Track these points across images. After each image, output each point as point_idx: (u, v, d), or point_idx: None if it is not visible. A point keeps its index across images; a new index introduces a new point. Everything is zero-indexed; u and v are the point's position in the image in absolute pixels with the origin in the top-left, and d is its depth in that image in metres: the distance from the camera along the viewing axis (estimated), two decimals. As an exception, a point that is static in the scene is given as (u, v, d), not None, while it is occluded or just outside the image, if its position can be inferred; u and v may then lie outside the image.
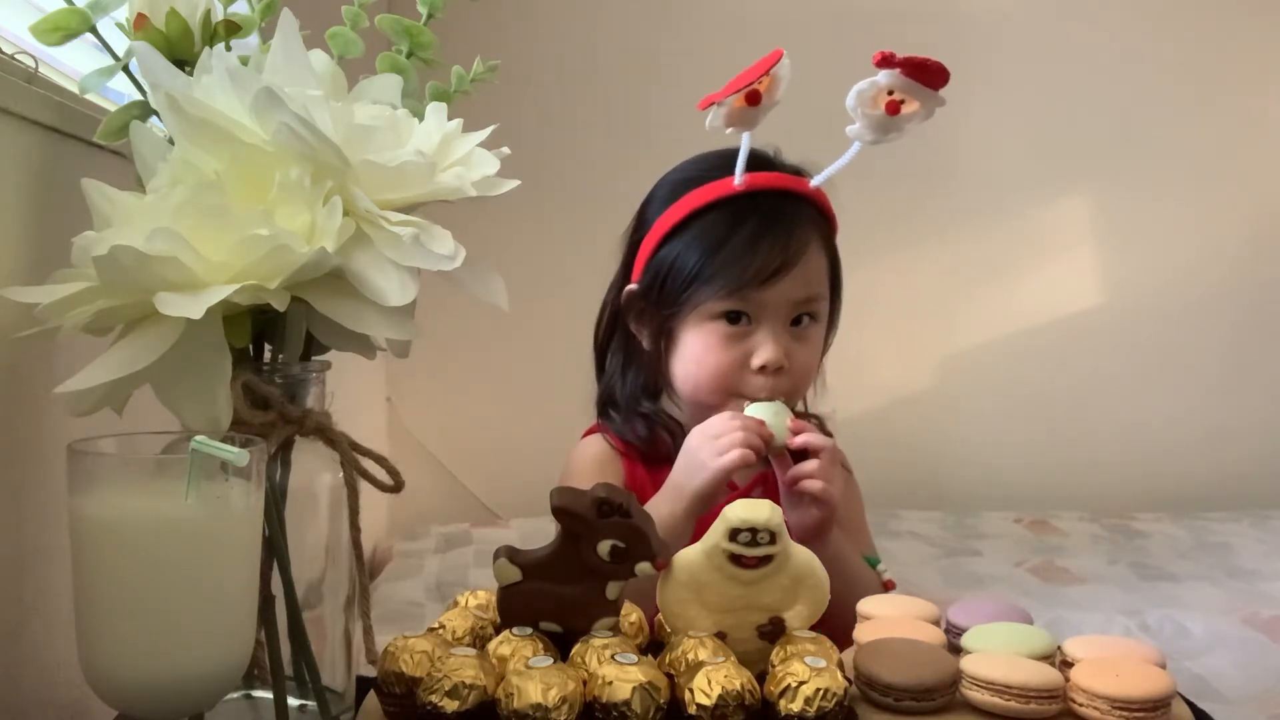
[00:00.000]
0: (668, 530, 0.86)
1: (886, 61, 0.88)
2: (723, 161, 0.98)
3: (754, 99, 0.90)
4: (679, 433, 0.99)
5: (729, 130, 0.93)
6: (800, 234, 0.96)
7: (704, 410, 0.98)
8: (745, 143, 0.94)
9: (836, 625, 0.68)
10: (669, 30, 2.26)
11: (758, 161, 0.98)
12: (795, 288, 0.96)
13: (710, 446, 0.91)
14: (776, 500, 0.67)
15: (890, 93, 0.88)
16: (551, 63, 2.21)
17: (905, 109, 0.88)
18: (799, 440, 0.93)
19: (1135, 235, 2.37)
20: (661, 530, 0.78)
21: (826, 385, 1.07)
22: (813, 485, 0.92)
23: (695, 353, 0.98)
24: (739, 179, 0.95)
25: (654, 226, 1.00)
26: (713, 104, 0.91)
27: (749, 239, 0.95)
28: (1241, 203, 2.38)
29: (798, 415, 1.02)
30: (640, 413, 1.03)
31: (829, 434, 1.05)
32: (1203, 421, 2.36)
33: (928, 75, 0.88)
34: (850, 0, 2.22)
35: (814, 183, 0.98)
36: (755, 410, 0.94)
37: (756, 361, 0.95)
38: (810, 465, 0.92)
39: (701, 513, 0.91)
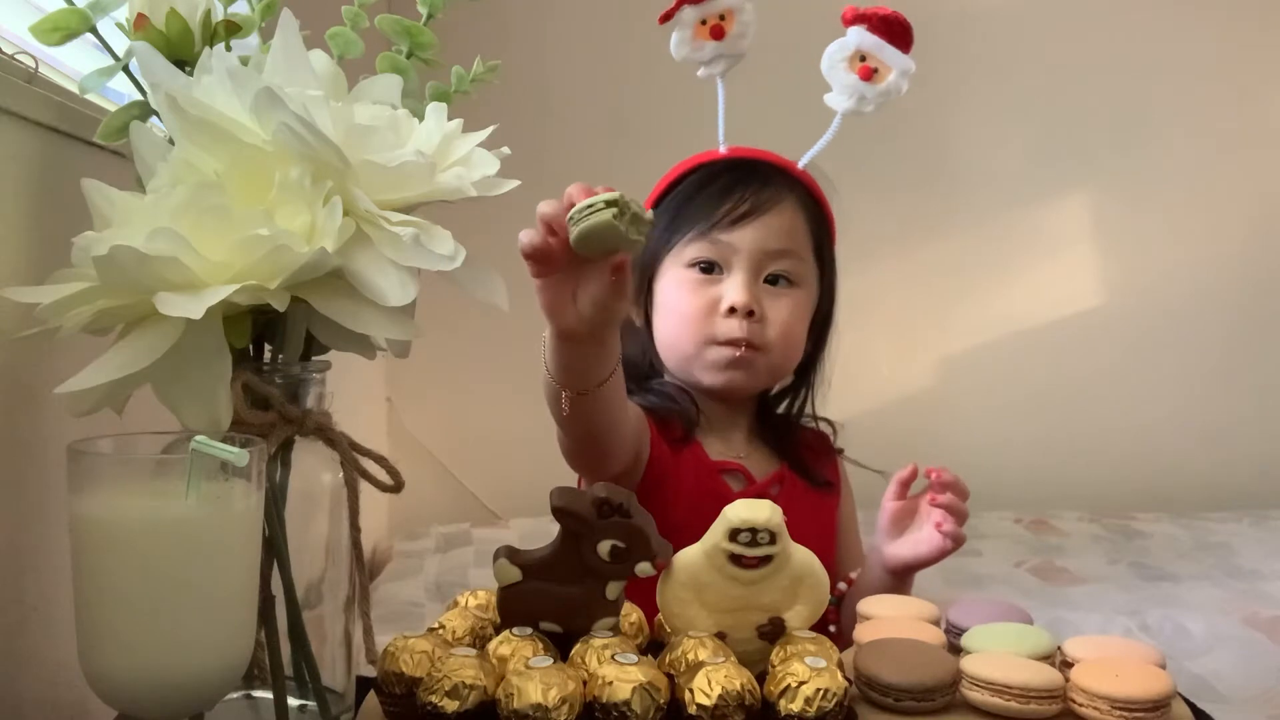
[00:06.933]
0: None
1: (856, 17, 0.89)
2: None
3: (718, 34, 0.92)
4: (686, 401, 0.99)
5: (702, 72, 0.94)
6: (774, 188, 0.97)
7: (685, 364, 0.99)
8: (720, 93, 0.95)
9: None
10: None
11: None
12: (766, 236, 0.96)
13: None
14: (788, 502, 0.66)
15: (863, 58, 0.89)
16: (551, 63, 2.21)
17: (878, 79, 0.89)
18: (943, 500, 0.91)
19: (1134, 235, 2.37)
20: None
21: (831, 386, 1.06)
22: (957, 534, 0.91)
23: (669, 301, 0.99)
24: (723, 145, 0.98)
25: (647, 200, 1.03)
26: (671, 17, 0.93)
27: (723, 188, 0.97)
28: (1240, 202, 2.38)
29: (805, 427, 1.03)
30: (649, 390, 1.01)
31: (837, 444, 1.07)
32: (1202, 421, 2.35)
33: (896, 32, 0.90)
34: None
35: (802, 162, 0.99)
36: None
37: (725, 303, 0.95)
38: (948, 523, 0.91)
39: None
